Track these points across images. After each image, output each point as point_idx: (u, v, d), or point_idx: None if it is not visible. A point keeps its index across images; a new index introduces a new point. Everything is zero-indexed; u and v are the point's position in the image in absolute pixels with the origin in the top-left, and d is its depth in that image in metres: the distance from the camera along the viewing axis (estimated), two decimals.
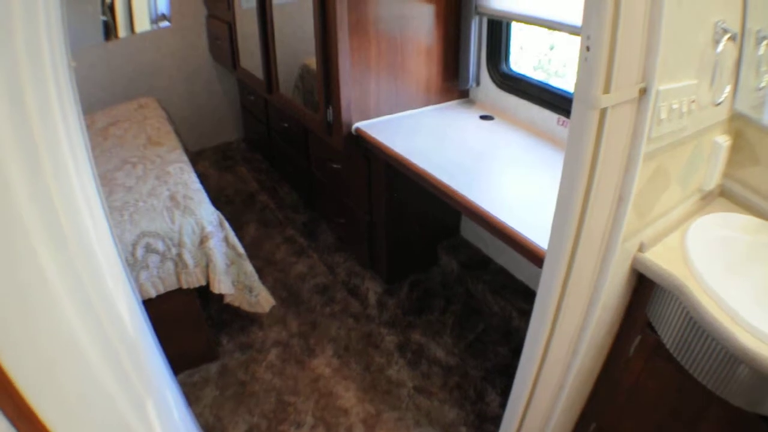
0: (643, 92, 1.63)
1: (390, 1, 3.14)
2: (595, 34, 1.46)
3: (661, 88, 1.65)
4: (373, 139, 3.11)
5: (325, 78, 3.21)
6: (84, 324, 1.32)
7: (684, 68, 1.77)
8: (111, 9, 4.51)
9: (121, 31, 4.66)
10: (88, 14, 4.47)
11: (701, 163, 2.14)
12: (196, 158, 5.53)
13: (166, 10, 4.94)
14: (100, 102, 4.84)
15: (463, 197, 2.53)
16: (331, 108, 3.26)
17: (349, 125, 3.26)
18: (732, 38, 1.85)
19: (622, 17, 1.43)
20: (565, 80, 3.43)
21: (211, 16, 5.39)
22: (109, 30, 4.54)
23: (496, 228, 2.35)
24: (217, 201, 4.51)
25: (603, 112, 1.55)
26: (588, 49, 1.50)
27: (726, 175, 2.27)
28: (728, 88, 2.01)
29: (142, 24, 4.85)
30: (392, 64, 3.30)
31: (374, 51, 3.19)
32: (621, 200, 1.76)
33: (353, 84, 3.16)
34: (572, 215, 1.69)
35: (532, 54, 3.64)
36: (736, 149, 2.23)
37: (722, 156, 2.17)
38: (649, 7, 1.51)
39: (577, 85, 1.58)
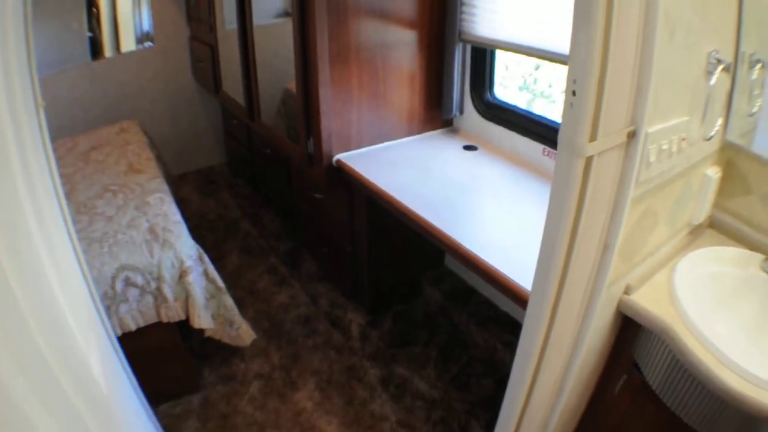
0: (632, 136, 1.60)
1: (372, 29, 3.15)
2: (582, 77, 1.41)
3: (651, 130, 1.62)
4: (355, 171, 3.11)
5: (305, 109, 3.22)
6: (46, 406, 1.28)
7: (675, 105, 1.75)
8: (98, 23, 4.53)
9: (108, 50, 4.69)
10: (74, 31, 4.49)
11: (690, 198, 2.14)
12: (178, 182, 5.56)
13: (149, 29, 4.97)
14: (83, 123, 4.90)
15: (445, 235, 2.51)
16: (311, 139, 3.26)
17: (330, 157, 3.26)
18: (726, 69, 1.84)
19: (611, 59, 1.40)
20: (550, 101, 3.43)
21: (193, 38, 5.40)
22: (96, 48, 4.56)
23: (479, 268, 2.32)
24: (199, 228, 4.53)
25: (589, 160, 1.51)
26: (574, 93, 1.45)
27: (716, 205, 2.28)
28: (720, 121, 2.01)
29: (128, 43, 4.87)
30: (374, 93, 3.29)
31: (356, 81, 3.18)
32: (606, 247, 1.75)
33: (334, 115, 3.16)
34: (556, 264, 1.66)
35: (517, 74, 3.64)
36: (726, 179, 2.23)
37: (712, 189, 2.17)
38: (639, 46, 1.49)
39: (562, 131, 1.53)
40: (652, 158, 1.68)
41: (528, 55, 2.99)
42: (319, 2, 2.86)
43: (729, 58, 1.93)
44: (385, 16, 3.17)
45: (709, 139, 1.97)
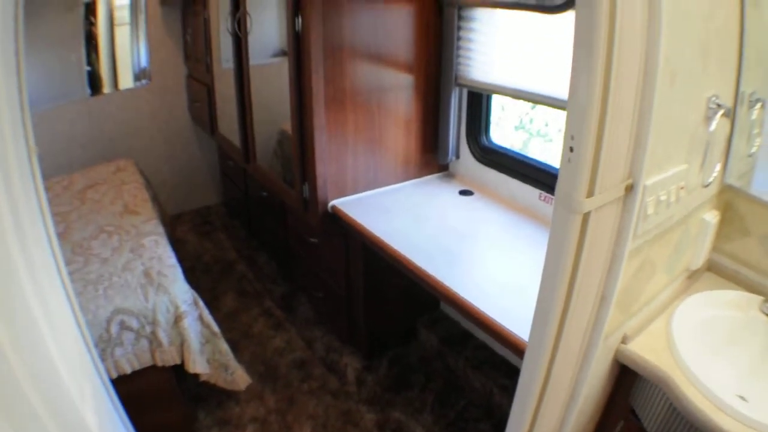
0: (630, 189, 1.60)
1: (368, 73, 3.19)
2: (580, 133, 1.41)
3: (649, 182, 1.63)
4: (350, 218, 3.15)
5: (301, 154, 3.26)
6: None
7: (674, 155, 1.77)
8: (97, 56, 4.57)
9: (106, 86, 4.73)
10: (72, 64, 4.53)
11: (689, 244, 2.14)
12: (174, 222, 5.61)
13: (147, 66, 5.01)
14: (80, 160, 4.97)
15: (440, 284, 2.51)
16: (307, 184, 3.31)
17: (326, 203, 3.30)
18: (725, 114, 1.84)
19: (609, 113, 1.39)
20: (547, 140, 3.46)
21: (190, 77, 5.47)
22: (95, 83, 4.60)
23: (475, 317, 2.33)
24: (194, 269, 4.54)
25: (586, 216, 1.51)
26: (571, 149, 1.44)
27: (714, 248, 2.29)
28: (718, 166, 2.02)
29: (126, 80, 4.91)
30: (370, 138, 3.34)
31: (351, 126, 3.22)
32: (603, 299, 1.75)
33: (330, 161, 3.22)
34: (553, 318, 1.65)
35: (514, 113, 3.67)
36: (725, 222, 2.25)
37: (711, 233, 2.18)
38: (639, 97, 1.49)
39: (558, 187, 1.53)
40: (650, 210, 1.69)
41: (525, 99, 3.03)
42: (315, 45, 2.90)
43: (729, 101, 1.95)
44: (381, 59, 3.22)
45: (708, 185, 1.99)
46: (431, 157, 3.67)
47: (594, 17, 1.29)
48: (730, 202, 2.24)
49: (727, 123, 2.01)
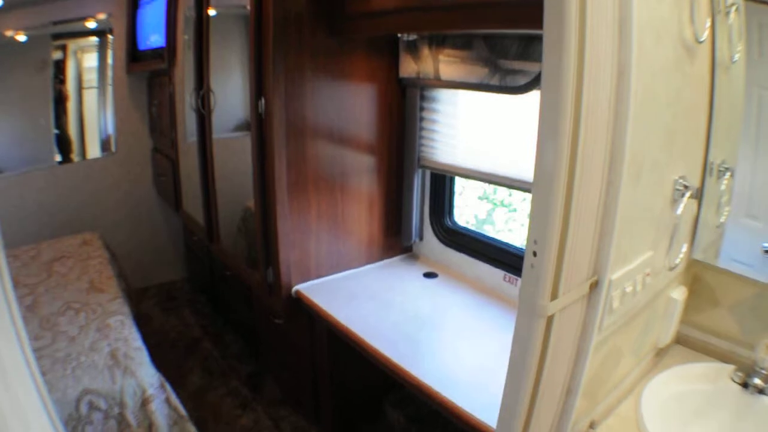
0: (594, 286, 1.62)
1: (330, 156, 3.32)
2: (543, 238, 1.41)
3: (614, 276, 1.65)
4: (314, 303, 3.20)
5: (264, 240, 3.35)
6: None
7: (639, 245, 1.80)
8: (65, 118, 4.67)
9: (75, 153, 4.85)
10: (41, 127, 4.62)
11: (656, 323, 2.20)
12: (140, 296, 5.65)
13: (113, 137, 5.11)
14: (48, 228, 5.09)
15: (407, 373, 2.55)
16: (271, 269, 3.38)
17: (290, 288, 3.35)
18: (693, 195, 1.89)
19: (573, 217, 1.40)
20: (511, 209, 3.56)
21: (156, 150, 5.54)
22: (64, 148, 4.71)
23: (442, 406, 2.38)
24: (160, 345, 4.58)
25: (550, 318, 1.50)
26: (534, 254, 1.43)
27: (683, 321, 2.32)
28: (685, 247, 2.08)
29: (93, 149, 5.00)
30: (333, 222, 3.46)
31: (315, 210, 3.35)
32: (570, 392, 1.78)
33: (293, 246, 3.30)
34: (519, 416, 1.63)
35: (477, 184, 3.79)
36: (693, 294, 2.30)
37: (678, 310, 2.24)
38: (603, 196, 1.52)
39: (522, 291, 1.51)
40: (616, 304, 1.71)
41: (487, 182, 3.17)
42: (277, 130, 3.00)
43: (696, 178, 2.04)
44: (343, 141, 3.33)
45: (674, 268, 2.03)
46: (395, 239, 3.80)
47: (559, 113, 1.31)
48: (699, 275, 2.29)
49: (693, 203, 2.07)
